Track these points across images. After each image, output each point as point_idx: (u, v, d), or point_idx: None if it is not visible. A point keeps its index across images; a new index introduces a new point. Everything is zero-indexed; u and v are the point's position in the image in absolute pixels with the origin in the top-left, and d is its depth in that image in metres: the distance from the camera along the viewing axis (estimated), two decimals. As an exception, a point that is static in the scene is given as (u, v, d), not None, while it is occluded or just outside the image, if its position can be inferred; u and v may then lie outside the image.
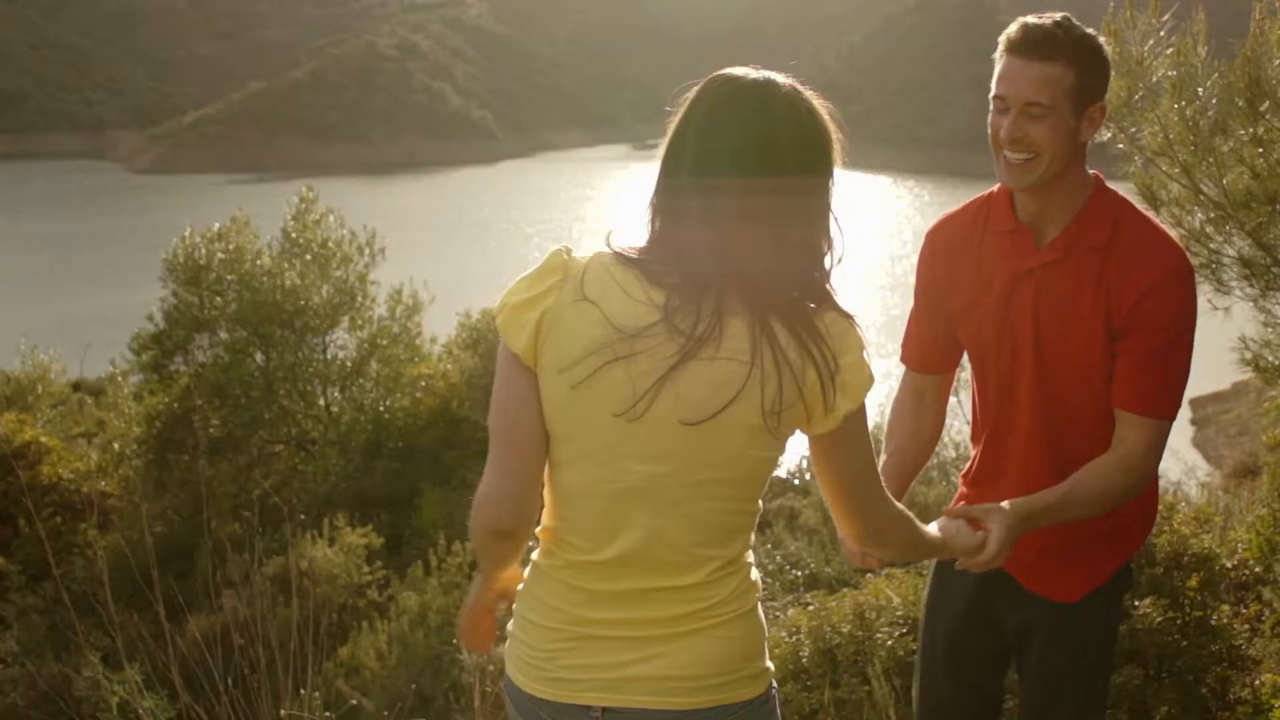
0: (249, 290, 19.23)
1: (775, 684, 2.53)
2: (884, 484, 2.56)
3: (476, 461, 16.48)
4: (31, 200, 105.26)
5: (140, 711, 5.70)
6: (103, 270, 66.79)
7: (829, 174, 2.37)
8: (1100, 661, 3.33)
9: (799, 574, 9.37)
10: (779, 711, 2.53)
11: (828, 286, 2.37)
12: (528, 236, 77.89)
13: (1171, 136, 5.68)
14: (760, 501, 2.45)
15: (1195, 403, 33.67)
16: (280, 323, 19.27)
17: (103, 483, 17.42)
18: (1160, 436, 3.08)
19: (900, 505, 2.64)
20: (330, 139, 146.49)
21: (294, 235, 19.97)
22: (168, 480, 17.88)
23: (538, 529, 2.47)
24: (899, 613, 5.50)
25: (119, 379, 20.87)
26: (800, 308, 2.31)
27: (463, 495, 16.11)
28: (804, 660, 5.50)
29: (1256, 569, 5.38)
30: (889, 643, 5.33)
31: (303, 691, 5.20)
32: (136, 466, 18.04)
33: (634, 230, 2.38)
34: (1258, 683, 4.74)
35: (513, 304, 2.34)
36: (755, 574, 2.50)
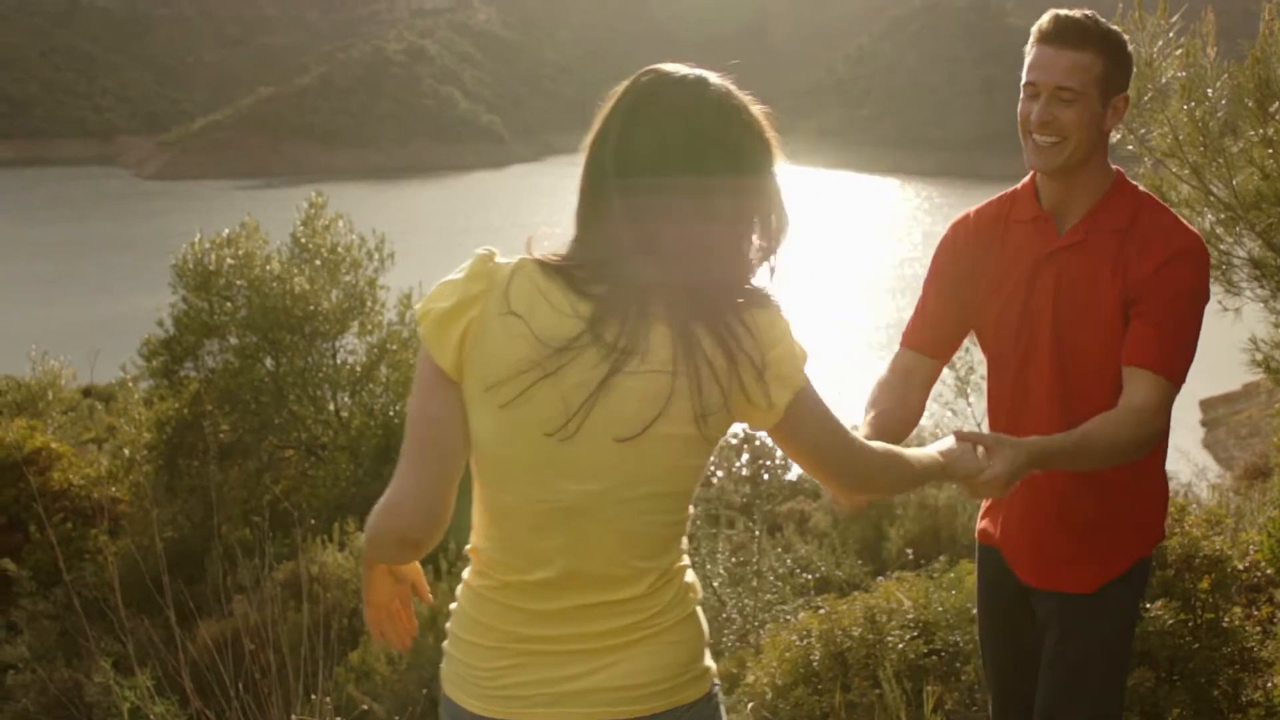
0: (258, 295, 19.22)
1: (717, 681, 2.50)
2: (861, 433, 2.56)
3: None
4: (41, 206, 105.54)
5: (151, 716, 5.70)
6: (112, 276, 66.94)
7: (758, 175, 2.31)
8: (1117, 658, 3.33)
9: (809, 577, 9.37)
10: (721, 708, 2.51)
11: (754, 283, 2.33)
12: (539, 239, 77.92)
13: (1181, 137, 5.67)
14: (691, 508, 2.42)
15: (1206, 404, 33.62)
16: (290, 328, 19.25)
17: (113, 488, 17.42)
18: (1168, 397, 3.07)
19: (880, 445, 2.59)
20: (339, 144, 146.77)
21: (303, 240, 19.96)
22: (178, 486, 17.88)
23: (467, 548, 2.43)
24: (910, 616, 5.49)
25: (129, 385, 20.86)
26: (723, 309, 2.26)
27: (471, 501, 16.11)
28: (815, 664, 5.49)
29: (1268, 571, 5.36)
30: (900, 646, 5.32)
31: (313, 696, 5.20)
32: (147, 472, 18.05)
33: (558, 234, 2.32)
34: (1270, 685, 4.73)
35: (436, 313, 2.26)
36: (691, 575, 2.48)
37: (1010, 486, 2.91)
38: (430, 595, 2.62)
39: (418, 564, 2.56)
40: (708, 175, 2.24)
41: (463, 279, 2.27)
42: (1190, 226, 3.19)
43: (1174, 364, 3.07)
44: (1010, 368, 3.32)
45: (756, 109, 2.34)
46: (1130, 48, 3.19)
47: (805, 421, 2.38)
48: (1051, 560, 3.32)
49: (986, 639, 3.64)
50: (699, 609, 2.49)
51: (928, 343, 3.45)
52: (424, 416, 2.29)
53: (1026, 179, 3.33)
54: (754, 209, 2.31)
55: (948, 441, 2.91)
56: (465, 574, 2.47)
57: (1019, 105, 3.17)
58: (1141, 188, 3.25)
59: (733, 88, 2.33)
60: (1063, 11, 3.10)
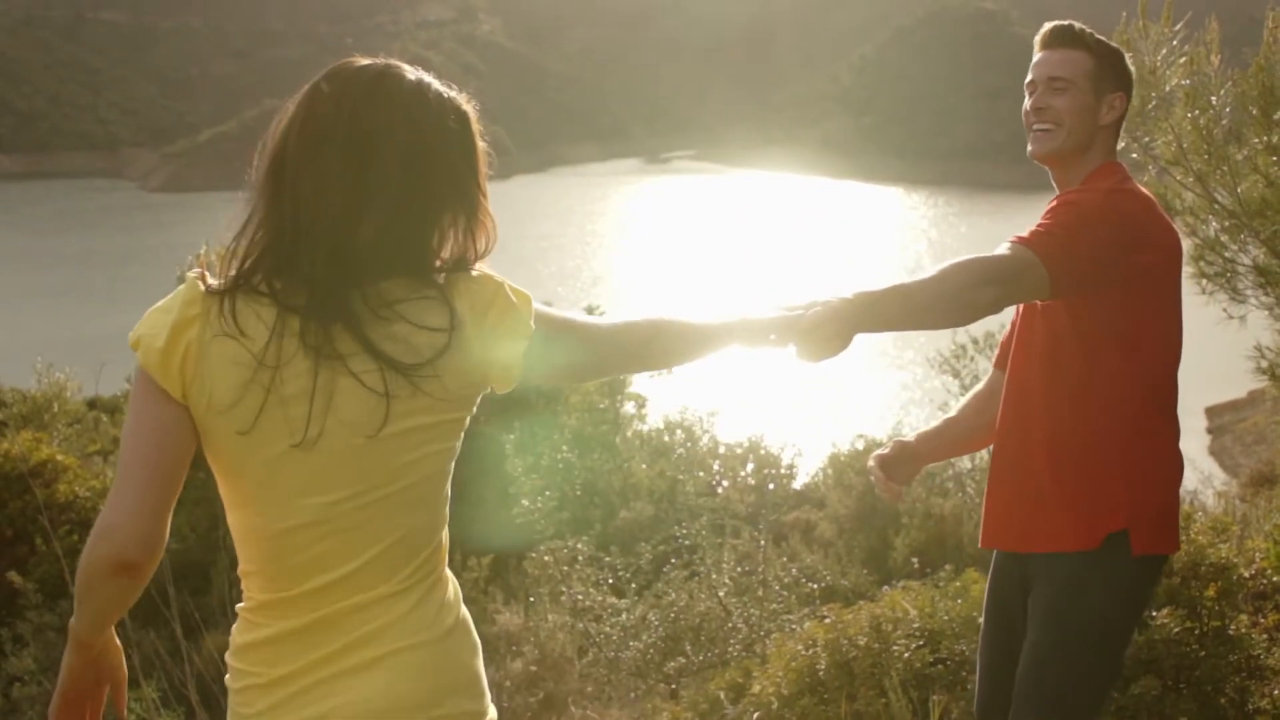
0: (264, 307, 19.27)
1: None
2: None
3: (491, 476, 16.46)
4: (47, 219, 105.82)
5: (157, 728, 5.70)
6: (118, 288, 67.04)
7: (430, 166, 2.27)
8: (1091, 640, 3.26)
9: (815, 587, 9.35)
10: None
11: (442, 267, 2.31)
12: (544, 250, 78.04)
13: (1185, 145, 5.68)
14: (446, 510, 2.37)
15: (1212, 411, 33.60)
16: (294, 338, 19.31)
17: (119, 500, 17.44)
18: (1022, 260, 3.06)
19: (641, 317, 2.58)
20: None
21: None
22: (183, 497, 17.72)
23: (238, 570, 2.35)
24: (915, 625, 5.49)
25: (135, 397, 20.89)
26: (405, 294, 2.23)
27: (478, 510, 16.12)
28: (820, 673, 5.49)
29: (1275, 578, 5.35)
30: (906, 655, 5.31)
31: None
32: (153, 484, 18.06)
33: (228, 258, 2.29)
34: (1277, 693, 4.72)
35: (150, 337, 2.20)
36: (452, 589, 2.40)
37: (838, 335, 2.85)
38: (125, 711, 2.45)
39: (123, 665, 2.42)
40: (381, 170, 2.23)
41: (177, 305, 2.22)
42: (1139, 191, 3.32)
43: (1037, 237, 3.10)
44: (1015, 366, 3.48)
45: (452, 103, 2.34)
46: (1129, 60, 3.41)
47: (547, 353, 2.38)
48: (1013, 522, 3.41)
49: (982, 639, 3.66)
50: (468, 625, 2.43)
51: (1000, 359, 3.68)
52: (141, 435, 2.24)
53: None
54: (442, 199, 2.31)
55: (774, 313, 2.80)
56: (240, 606, 2.39)
57: (1024, 105, 3.40)
58: (1132, 180, 3.38)
59: (428, 79, 2.34)
60: (1058, 22, 3.41)
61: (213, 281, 2.24)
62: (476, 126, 2.39)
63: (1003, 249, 3.10)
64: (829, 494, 14.39)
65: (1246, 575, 5.04)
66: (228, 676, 2.35)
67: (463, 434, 2.34)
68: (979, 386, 3.79)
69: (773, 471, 13.79)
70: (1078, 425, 3.28)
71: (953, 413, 3.81)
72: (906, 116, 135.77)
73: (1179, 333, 3.33)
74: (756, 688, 5.78)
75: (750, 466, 16.32)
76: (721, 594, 8.56)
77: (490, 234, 2.37)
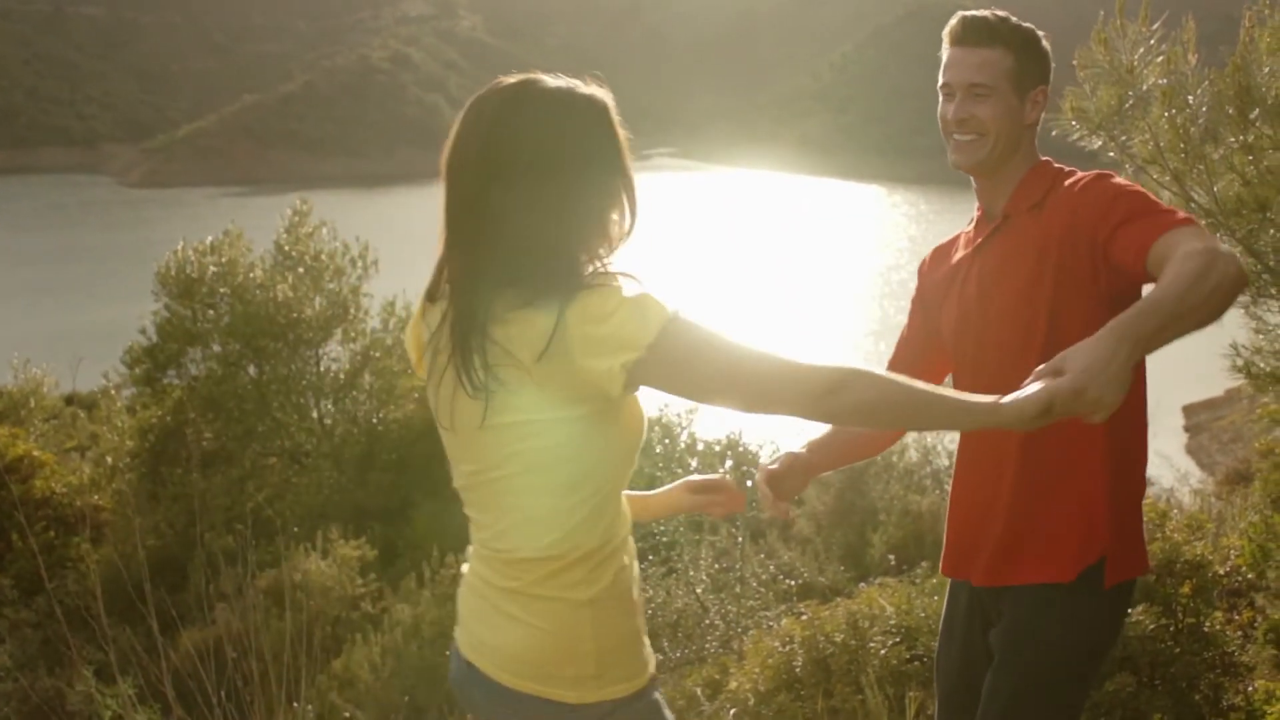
0: (242, 303, 19.19)
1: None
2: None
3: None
4: (25, 214, 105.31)
5: (133, 725, 5.68)
6: (95, 284, 66.78)
7: (532, 174, 2.35)
8: (1065, 676, 3.12)
9: (792, 583, 9.37)
10: None
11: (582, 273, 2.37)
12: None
13: (1162, 144, 5.68)
14: (566, 521, 2.45)
15: (1189, 409, 33.75)
16: (273, 335, 19.23)
17: (96, 496, 17.37)
18: (1200, 232, 2.76)
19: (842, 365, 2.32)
20: (324, 152, 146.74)
21: (287, 248, 19.95)
22: (161, 494, 17.83)
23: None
24: (892, 622, 5.50)
25: (112, 393, 20.79)
26: (517, 301, 2.33)
27: (457, 506, 16.09)
28: (797, 670, 5.50)
29: (1249, 576, 5.39)
30: (882, 652, 5.33)
31: (296, 704, 5.19)
32: (129, 480, 18.00)
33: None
34: (1250, 689, 4.74)
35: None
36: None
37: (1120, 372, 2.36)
38: None
39: None
40: (471, 180, 2.39)
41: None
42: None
43: (1175, 216, 2.83)
44: (964, 370, 3.30)
45: (548, 107, 2.39)
46: (1044, 43, 3.20)
47: (672, 373, 2.36)
48: (999, 563, 3.21)
49: (939, 664, 3.52)
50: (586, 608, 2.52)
51: (901, 362, 3.51)
52: None
53: None
54: (548, 205, 2.37)
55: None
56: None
57: (938, 108, 3.22)
58: (1067, 168, 3.22)
59: (531, 85, 2.41)
60: (970, 12, 3.18)
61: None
62: (597, 120, 2.43)
63: (1172, 236, 2.76)
64: (807, 491, 14.38)
65: (1221, 573, 5.06)
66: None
67: (577, 434, 2.42)
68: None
69: (751, 469, 13.80)
70: (1058, 453, 3.09)
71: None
72: (886, 114, 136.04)
73: None
74: (733, 684, 5.79)
75: (729, 464, 16.33)
76: (699, 590, 8.57)
77: (619, 232, 2.45)
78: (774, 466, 3.36)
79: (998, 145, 3.15)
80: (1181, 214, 2.85)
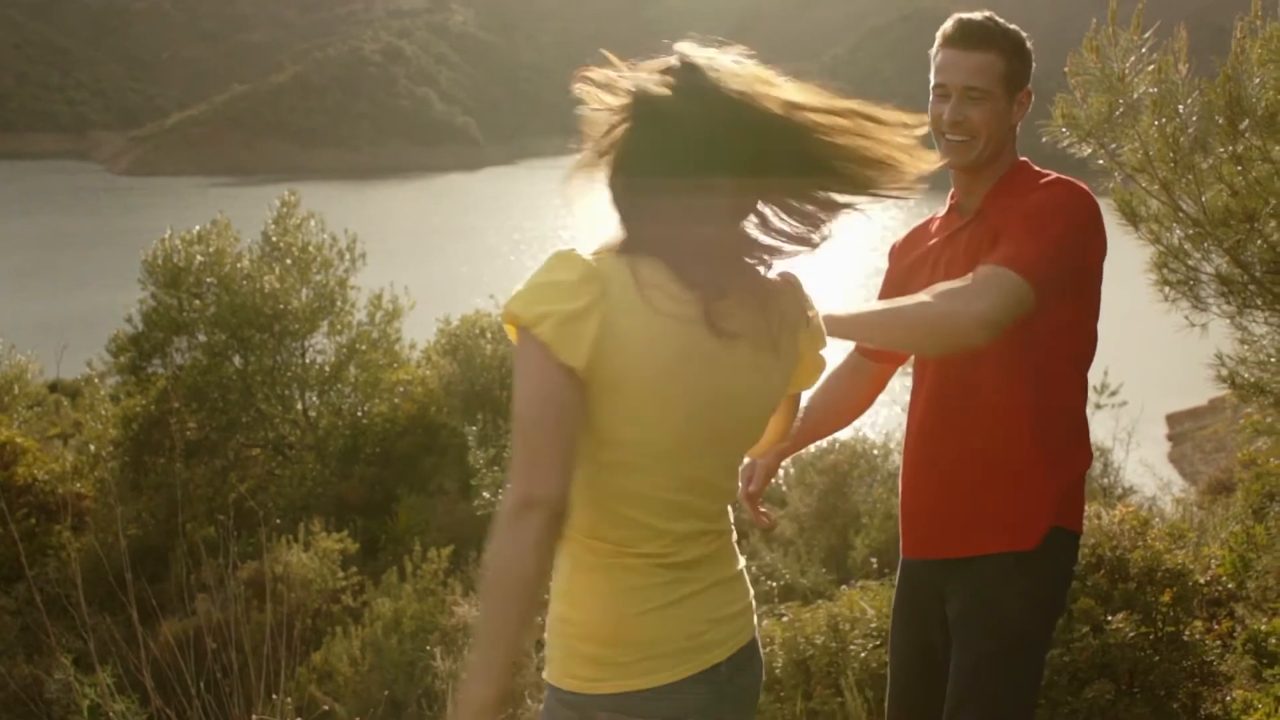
0: (228, 293, 19.13)
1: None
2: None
3: (454, 468, 16.42)
4: (12, 200, 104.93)
5: (111, 714, 5.67)
6: (82, 271, 66.54)
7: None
8: (1028, 643, 3.20)
9: (774, 585, 9.38)
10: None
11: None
12: (515, 244, 77.85)
13: (1151, 153, 5.70)
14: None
15: (1172, 419, 33.81)
16: (259, 326, 19.18)
17: (78, 484, 17.31)
18: (1012, 286, 2.93)
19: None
20: (314, 143, 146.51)
21: (274, 239, 19.90)
22: (143, 483, 17.77)
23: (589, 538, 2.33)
24: (873, 624, 5.51)
25: (96, 380, 20.75)
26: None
27: (439, 501, 16.07)
28: (777, 671, 5.50)
29: (1229, 585, 5.40)
30: (862, 654, 5.34)
31: (275, 696, 5.19)
32: (112, 468, 17.94)
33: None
34: (1229, 699, 4.76)
35: (558, 315, 2.16)
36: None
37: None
38: None
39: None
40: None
41: (575, 282, 2.22)
42: (1076, 182, 3.21)
43: (1022, 254, 2.98)
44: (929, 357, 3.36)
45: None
46: (1029, 45, 3.27)
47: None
48: (936, 530, 3.31)
49: (892, 655, 3.56)
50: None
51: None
52: (551, 410, 2.16)
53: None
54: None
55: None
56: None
57: (929, 107, 3.25)
58: (1042, 169, 3.30)
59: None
60: (964, 15, 3.24)
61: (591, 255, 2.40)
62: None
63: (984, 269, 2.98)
64: (790, 492, 14.37)
65: (1202, 582, 5.08)
66: None
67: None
68: (839, 366, 3.61)
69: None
70: (992, 422, 3.19)
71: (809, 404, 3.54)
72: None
73: (1097, 314, 3.28)
74: (714, 684, 5.78)
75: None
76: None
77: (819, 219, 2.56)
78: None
79: (987, 147, 3.23)
80: (1029, 256, 2.98)
